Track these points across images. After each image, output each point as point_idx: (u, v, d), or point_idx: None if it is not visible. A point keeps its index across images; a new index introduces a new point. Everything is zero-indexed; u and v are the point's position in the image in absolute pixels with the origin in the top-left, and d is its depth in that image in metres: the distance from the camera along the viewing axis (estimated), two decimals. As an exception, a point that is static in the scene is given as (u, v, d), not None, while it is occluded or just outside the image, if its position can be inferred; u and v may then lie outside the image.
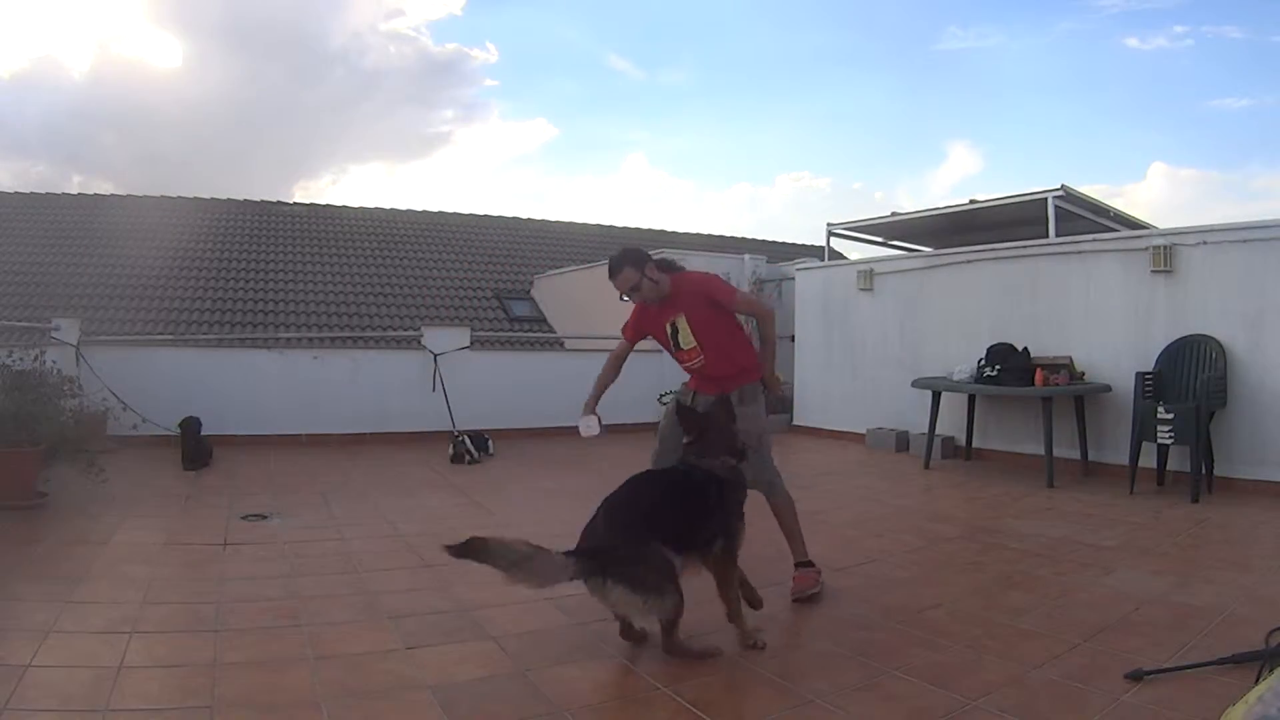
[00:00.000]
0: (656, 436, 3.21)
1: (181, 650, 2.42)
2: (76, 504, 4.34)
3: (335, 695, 2.13)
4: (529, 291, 14.23)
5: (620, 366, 3.30)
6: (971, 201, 8.26)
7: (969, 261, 7.04)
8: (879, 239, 9.85)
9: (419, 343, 7.95)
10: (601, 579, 2.25)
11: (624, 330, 3.32)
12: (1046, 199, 7.27)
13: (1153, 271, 5.66)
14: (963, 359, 6.40)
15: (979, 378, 6.06)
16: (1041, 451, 5.52)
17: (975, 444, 6.54)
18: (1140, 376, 5.27)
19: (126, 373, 6.68)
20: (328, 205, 17.17)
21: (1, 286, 10.99)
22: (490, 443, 6.74)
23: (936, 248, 8.89)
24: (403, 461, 6.42)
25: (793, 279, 9.15)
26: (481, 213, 18.48)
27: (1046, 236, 7.03)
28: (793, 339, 8.86)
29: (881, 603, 2.99)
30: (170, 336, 9.45)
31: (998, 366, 5.93)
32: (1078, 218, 7.58)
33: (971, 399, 6.46)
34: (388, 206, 17.50)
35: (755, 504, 3.17)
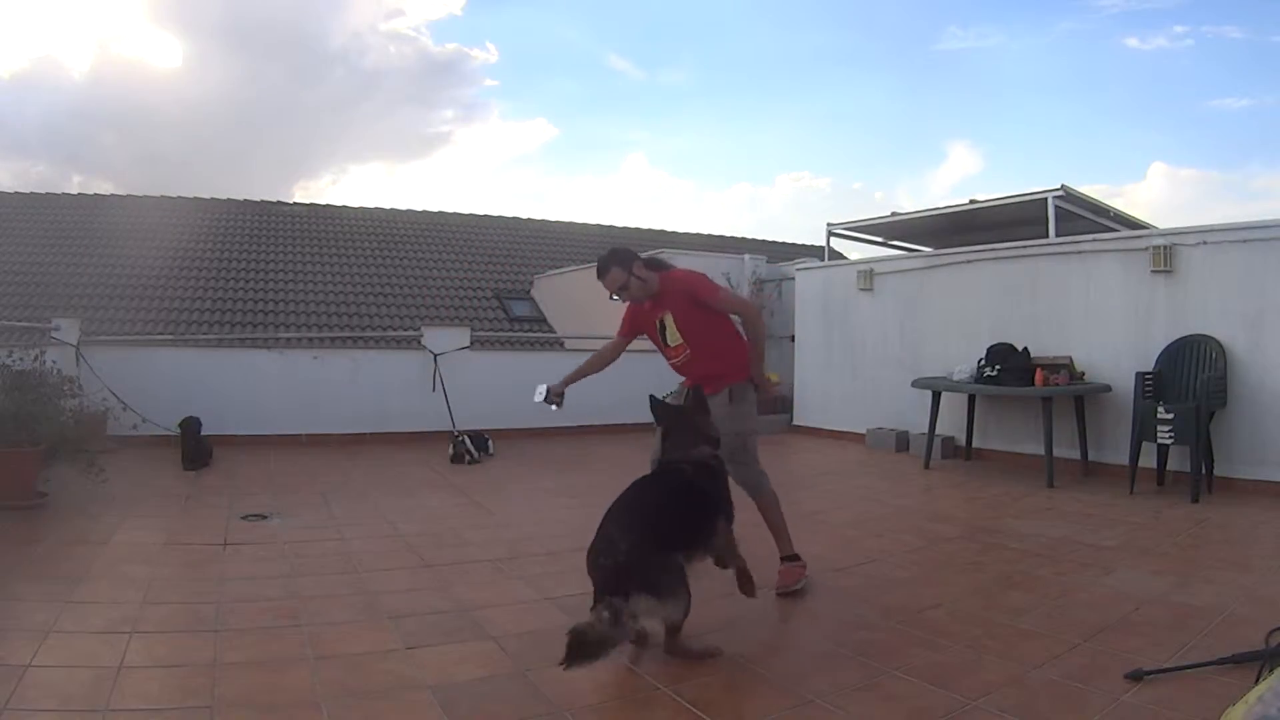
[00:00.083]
0: (656, 436, 3.22)
1: (181, 650, 2.42)
2: (76, 504, 4.34)
3: (335, 695, 2.13)
4: (529, 291, 14.23)
5: (608, 361, 3.38)
6: (971, 201, 8.26)
7: (969, 261, 7.04)
8: (879, 239, 9.85)
9: (419, 343, 7.95)
10: (625, 596, 2.22)
11: (620, 328, 3.36)
12: (1046, 199, 7.27)
13: (1153, 271, 5.66)
14: (963, 359, 6.40)
15: (979, 378, 6.06)
16: (1041, 451, 5.52)
17: (975, 444, 6.54)
18: (1140, 376, 5.27)
19: (126, 373, 6.69)
20: (328, 205, 17.19)
21: (1, 286, 10.99)
22: (490, 443, 6.75)
23: (936, 248, 8.89)
24: (403, 461, 6.42)
25: (793, 279, 9.15)
26: (481, 213, 18.50)
27: (1046, 236, 7.03)
28: (793, 339, 8.87)
29: (881, 603, 2.98)
30: (170, 336, 9.45)
31: (998, 366, 5.93)
32: (1078, 218, 7.58)
33: (971, 399, 6.46)
34: (388, 206, 17.53)
35: (746, 505, 3.19)
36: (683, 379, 3.29)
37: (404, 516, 4.40)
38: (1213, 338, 5.27)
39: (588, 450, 7.10)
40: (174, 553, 3.59)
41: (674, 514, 2.47)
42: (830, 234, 9.61)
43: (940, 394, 6.27)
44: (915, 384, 6.53)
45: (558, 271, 13.60)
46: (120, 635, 2.49)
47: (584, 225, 18.44)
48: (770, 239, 19.26)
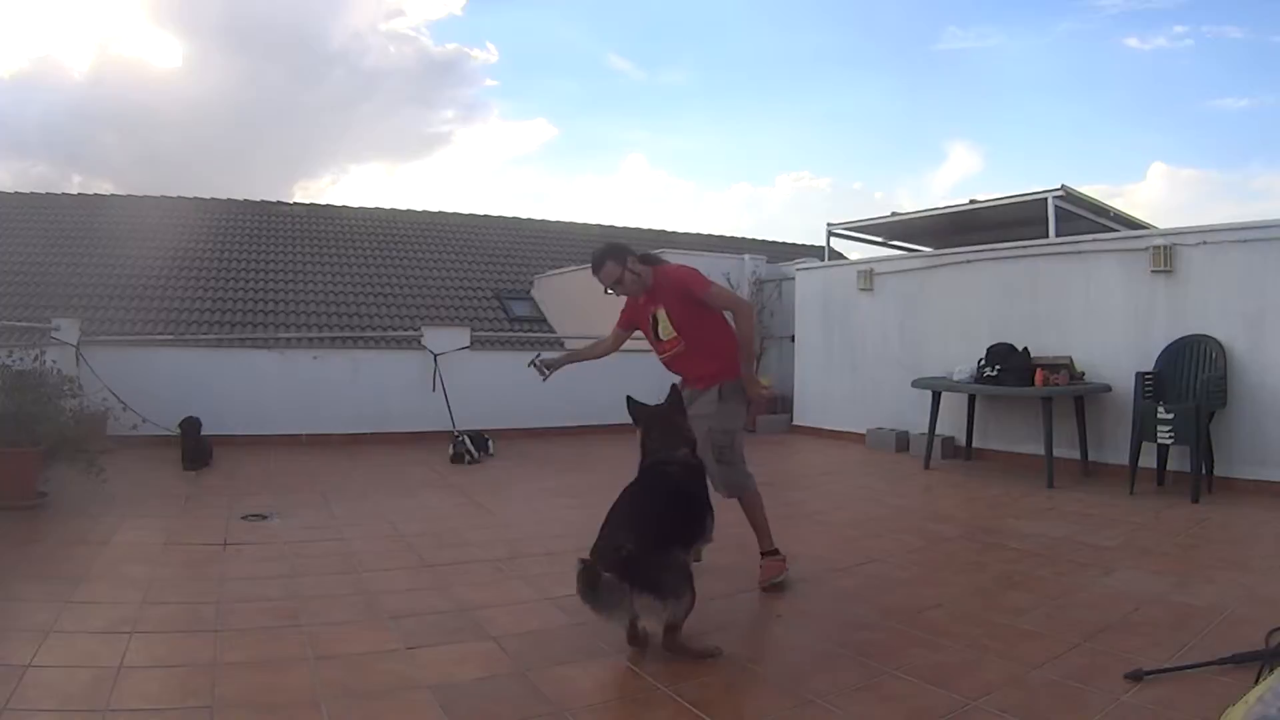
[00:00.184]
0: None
1: (181, 650, 2.42)
2: (76, 504, 4.34)
3: (335, 695, 2.13)
4: (529, 291, 14.23)
5: (606, 350, 3.47)
6: (971, 201, 8.26)
7: (969, 261, 7.04)
8: (879, 239, 9.85)
9: (419, 343, 7.95)
10: (626, 590, 2.26)
11: (618, 320, 3.40)
12: (1046, 199, 7.27)
13: (1153, 271, 5.65)
14: (963, 359, 6.40)
15: (979, 378, 6.06)
16: (1041, 451, 5.52)
17: (975, 444, 6.54)
18: (1140, 376, 5.27)
19: (126, 373, 6.69)
20: (328, 205, 17.18)
21: (1, 286, 10.98)
22: (490, 443, 6.75)
23: (936, 248, 8.88)
24: (403, 461, 6.42)
25: (793, 279, 9.15)
26: (481, 213, 18.47)
27: (1046, 236, 7.02)
28: (793, 339, 8.87)
29: (881, 603, 2.98)
30: (170, 336, 9.44)
31: (998, 366, 5.93)
32: (1078, 218, 7.58)
33: (971, 399, 6.45)
34: (388, 206, 17.51)
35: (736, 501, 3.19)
36: (678, 378, 3.31)
37: (404, 516, 4.40)
38: (1213, 338, 5.27)
39: (588, 450, 7.09)
40: (174, 553, 3.59)
41: (672, 515, 2.51)
42: (830, 234, 9.61)
43: (940, 394, 6.27)
44: (915, 384, 6.53)
45: (558, 271, 13.60)
46: (120, 635, 2.48)
47: (584, 225, 18.43)
48: (770, 239, 19.26)
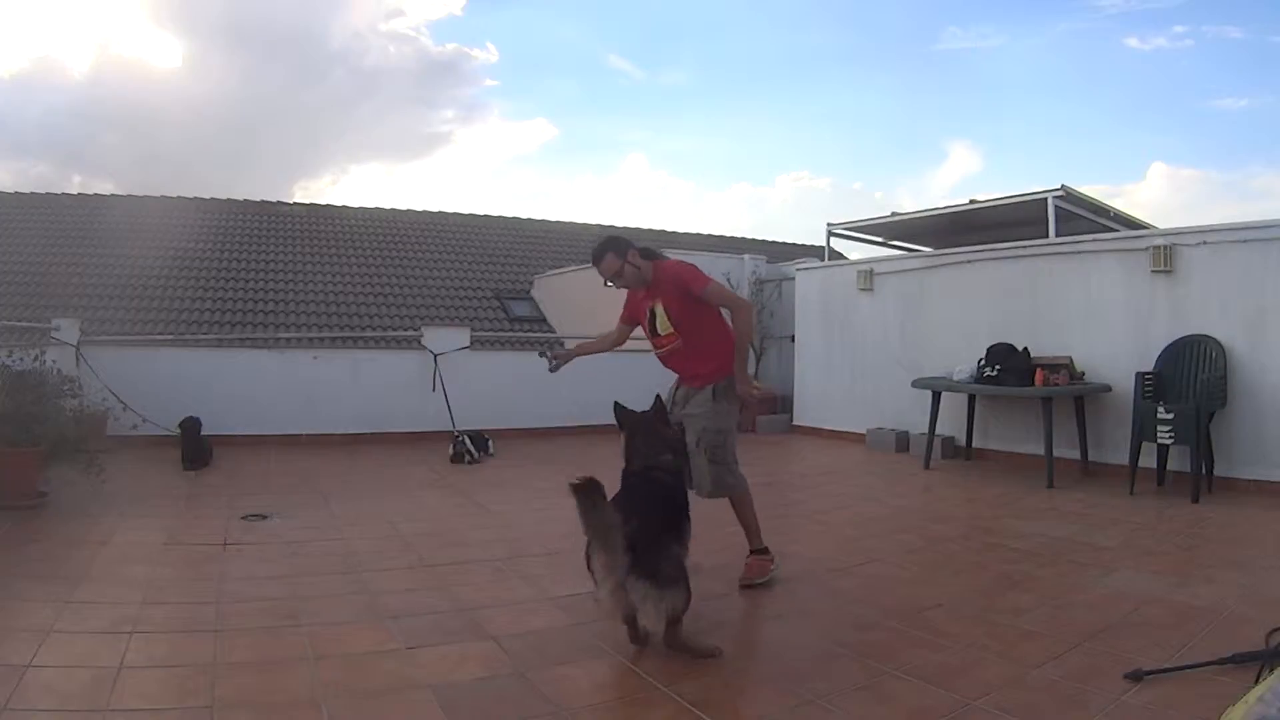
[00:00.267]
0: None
1: (181, 650, 2.42)
2: (76, 504, 4.34)
3: (335, 695, 2.13)
4: (529, 291, 14.22)
5: (611, 344, 3.51)
6: (971, 201, 8.25)
7: (969, 261, 7.04)
8: (879, 239, 9.84)
9: (419, 343, 7.95)
10: (623, 577, 2.28)
11: (621, 314, 3.43)
12: (1046, 199, 7.26)
13: (1153, 271, 5.66)
14: (963, 359, 6.40)
15: (979, 378, 6.06)
16: (1041, 451, 5.52)
17: (975, 444, 6.54)
18: (1140, 376, 5.27)
19: (126, 373, 6.69)
20: (328, 205, 17.15)
21: (1, 286, 10.98)
22: (490, 443, 6.74)
23: (936, 248, 8.89)
24: (403, 461, 6.42)
25: (793, 279, 9.15)
26: (481, 213, 18.44)
27: (1046, 236, 7.02)
28: (793, 339, 8.87)
29: (881, 603, 2.99)
30: (170, 337, 9.44)
31: (998, 366, 5.93)
32: (1078, 218, 7.58)
33: (971, 399, 6.45)
34: (388, 206, 17.48)
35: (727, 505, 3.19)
36: (678, 378, 3.31)
37: (404, 516, 4.40)
38: (1213, 338, 5.27)
39: (588, 450, 7.08)
40: (174, 553, 3.59)
41: (664, 515, 2.54)
42: (830, 234, 9.60)
43: (940, 394, 6.27)
44: (915, 384, 6.53)
45: (558, 271, 13.59)
46: (120, 635, 2.48)
47: (584, 225, 18.41)
48: (770, 239, 19.25)
